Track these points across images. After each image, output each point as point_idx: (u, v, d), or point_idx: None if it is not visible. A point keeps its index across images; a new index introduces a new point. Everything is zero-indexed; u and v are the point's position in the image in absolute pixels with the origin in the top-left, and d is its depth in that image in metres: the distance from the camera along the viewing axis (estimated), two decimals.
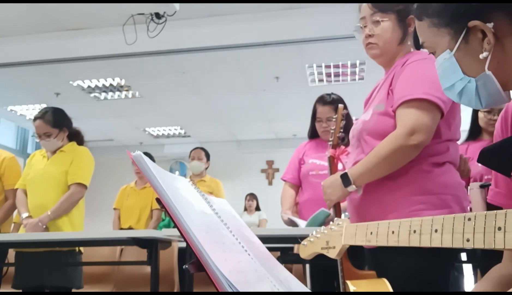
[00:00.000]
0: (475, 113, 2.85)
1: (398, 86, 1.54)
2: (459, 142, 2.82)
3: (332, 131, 1.78)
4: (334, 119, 1.79)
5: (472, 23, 0.87)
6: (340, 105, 1.81)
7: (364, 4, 1.66)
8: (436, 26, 0.93)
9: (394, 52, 1.65)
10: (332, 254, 1.04)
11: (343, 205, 2.45)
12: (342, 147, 1.78)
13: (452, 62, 0.92)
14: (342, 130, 1.77)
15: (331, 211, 1.69)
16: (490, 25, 0.86)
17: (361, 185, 1.56)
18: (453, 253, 1.54)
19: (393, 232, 0.83)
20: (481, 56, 0.87)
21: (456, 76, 0.92)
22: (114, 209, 4.70)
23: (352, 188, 1.55)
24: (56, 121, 2.98)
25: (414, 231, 0.78)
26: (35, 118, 2.98)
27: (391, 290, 1.27)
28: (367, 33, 1.64)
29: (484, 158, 0.88)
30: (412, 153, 1.46)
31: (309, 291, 0.91)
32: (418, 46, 1.70)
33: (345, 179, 1.55)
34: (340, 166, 1.88)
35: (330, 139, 1.77)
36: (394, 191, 1.51)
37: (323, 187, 1.66)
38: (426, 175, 1.49)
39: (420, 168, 1.50)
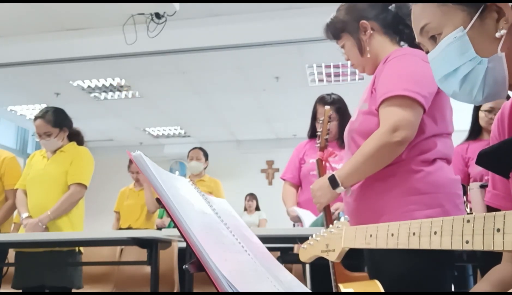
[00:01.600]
0: (475, 112, 2.85)
1: (379, 85, 1.55)
2: (459, 142, 2.85)
3: (319, 133, 1.78)
4: (321, 122, 1.79)
5: None
6: (327, 107, 1.82)
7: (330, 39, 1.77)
8: (449, 3, 0.89)
9: (367, 61, 1.67)
10: (332, 257, 1.04)
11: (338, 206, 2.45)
12: (330, 149, 1.79)
13: (464, 41, 0.87)
14: (329, 132, 1.79)
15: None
16: (510, 4, 0.84)
17: (349, 185, 1.56)
18: (452, 253, 1.54)
19: (392, 235, 0.82)
20: (497, 34, 0.84)
21: (464, 57, 0.87)
22: (115, 211, 4.70)
23: (340, 189, 1.55)
24: (57, 121, 2.98)
25: (414, 233, 0.78)
26: (36, 118, 2.98)
27: (383, 291, 1.28)
28: (346, 59, 1.74)
29: (483, 160, 0.87)
30: (396, 149, 1.45)
31: (309, 291, 0.91)
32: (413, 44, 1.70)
33: (333, 181, 1.55)
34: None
35: (318, 141, 1.78)
36: (385, 193, 1.50)
37: (312, 190, 1.66)
38: (415, 174, 1.49)
39: (409, 167, 1.50)
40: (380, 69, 1.59)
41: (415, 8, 0.96)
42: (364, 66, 1.69)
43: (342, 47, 1.70)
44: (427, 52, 0.97)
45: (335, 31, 1.70)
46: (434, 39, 0.93)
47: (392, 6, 1.67)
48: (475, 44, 0.86)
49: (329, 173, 1.61)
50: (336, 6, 1.74)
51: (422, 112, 1.48)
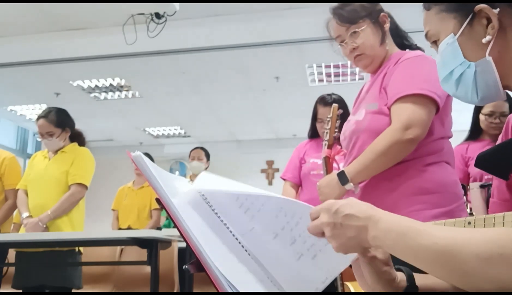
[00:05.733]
0: (476, 114, 2.84)
1: (392, 84, 1.54)
2: (459, 142, 2.85)
3: (327, 131, 1.78)
4: (328, 120, 1.79)
5: (479, 7, 0.89)
6: (335, 105, 1.81)
7: (334, 24, 1.68)
8: (444, 11, 0.95)
9: (380, 54, 1.66)
10: None
11: None
12: (338, 147, 1.78)
13: (454, 47, 0.93)
14: (337, 130, 1.78)
15: None
16: (496, 10, 0.88)
17: (358, 182, 1.55)
18: None
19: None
20: (484, 40, 0.89)
21: (456, 61, 0.94)
22: (113, 210, 4.71)
23: (349, 185, 1.54)
24: (59, 121, 2.99)
25: None
26: (39, 118, 2.99)
27: None
28: (351, 48, 1.64)
29: (481, 162, 0.88)
30: (408, 147, 1.46)
31: (310, 291, 0.91)
32: (402, 45, 1.73)
33: (342, 177, 1.55)
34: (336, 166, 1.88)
35: (325, 139, 1.77)
36: (393, 192, 1.51)
37: (319, 187, 1.65)
38: (423, 174, 1.50)
39: (417, 167, 1.50)
40: (390, 69, 1.58)
41: (424, 15, 1.03)
42: (374, 57, 1.65)
43: (355, 33, 1.63)
44: None
45: (355, 14, 1.63)
46: (436, 44, 1.00)
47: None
48: (464, 49, 0.93)
49: (336, 170, 1.61)
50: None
51: (435, 112, 1.49)
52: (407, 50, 1.71)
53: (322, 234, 0.75)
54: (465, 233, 0.62)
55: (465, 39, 0.92)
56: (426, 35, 1.01)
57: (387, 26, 1.66)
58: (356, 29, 1.62)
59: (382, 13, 1.66)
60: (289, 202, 0.81)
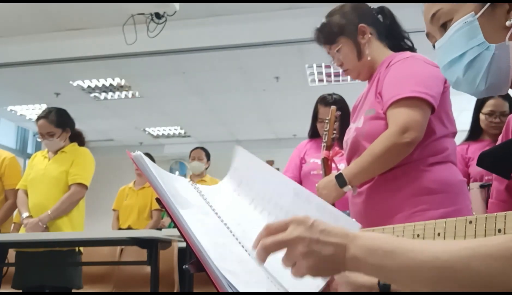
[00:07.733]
0: (476, 114, 2.84)
1: (385, 88, 1.55)
2: (459, 142, 2.84)
3: (325, 133, 1.78)
4: (327, 121, 1.79)
5: None
6: (333, 107, 1.82)
7: (321, 44, 1.74)
8: None
9: (363, 67, 1.67)
10: None
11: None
12: (336, 148, 1.78)
13: (474, 26, 0.89)
14: (335, 131, 1.78)
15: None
16: None
17: (356, 184, 1.56)
18: None
19: (397, 237, 0.84)
20: (507, 23, 0.86)
21: (471, 42, 0.89)
22: (113, 210, 4.71)
23: (347, 188, 1.55)
24: (60, 121, 2.99)
25: (418, 235, 0.80)
26: (39, 118, 2.99)
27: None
28: (338, 64, 1.72)
29: (484, 161, 0.88)
30: (405, 150, 1.46)
31: (313, 291, 0.91)
32: (399, 46, 1.72)
33: (340, 179, 1.56)
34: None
35: (324, 141, 1.78)
36: (398, 193, 1.51)
37: (317, 188, 1.66)
38: (428, 174, 1.50)
39: (421, 167, 1.50)
40: (382, 73, 1.59)
41: None
42: (359, 71, 1.69)
43: (337, 51, 1.68)
44: (434, 46, 0.98)
45: (330, 35, 1.68)
46: (444, 27, 0.95)
47: (379, 16, 1.71)
48: (484, 30, 0.89)
49: (335, 172, 1.61)
50: (336, 6, 1.74)
51: (430, 112, 1.49)
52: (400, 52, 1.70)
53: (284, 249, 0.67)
54: (464, 244, 0.58)
55: (485, 20, 0.88)
56: (433, 16, 0.96)
57: (367, 36, 1.65)
58: (336, 48, 1.68)
59: (360, 24, 1.65)
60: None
